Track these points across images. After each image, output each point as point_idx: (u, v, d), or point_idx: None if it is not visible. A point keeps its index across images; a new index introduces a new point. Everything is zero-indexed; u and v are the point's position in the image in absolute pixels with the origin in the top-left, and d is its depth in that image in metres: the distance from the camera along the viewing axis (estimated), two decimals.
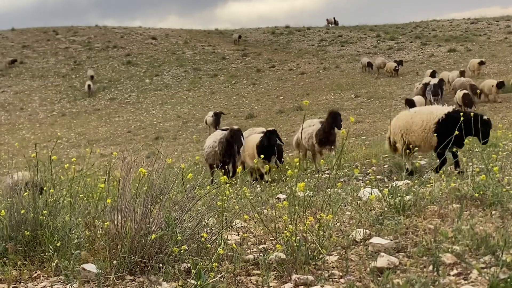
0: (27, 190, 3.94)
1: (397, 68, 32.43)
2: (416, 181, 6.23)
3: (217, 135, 11.23)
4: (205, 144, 11.50)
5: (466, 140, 8.94)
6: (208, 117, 23.03)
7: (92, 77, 37.54)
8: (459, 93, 20.68)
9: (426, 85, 23.01)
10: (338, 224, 4.24)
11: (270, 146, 9.92)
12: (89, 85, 35.47)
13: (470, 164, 7.17)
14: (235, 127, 11.20)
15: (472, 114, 7.46)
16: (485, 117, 7.61)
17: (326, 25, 55.05)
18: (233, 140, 10.56)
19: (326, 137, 10.62)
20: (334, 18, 56.43)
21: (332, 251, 3.49)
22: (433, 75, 26.96)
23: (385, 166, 9.50)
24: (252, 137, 11.21)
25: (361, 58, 37.09)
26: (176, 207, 3.73)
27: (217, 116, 21.63)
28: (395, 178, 7.35)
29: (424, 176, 6.67)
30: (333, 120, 10.40)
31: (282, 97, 31.19)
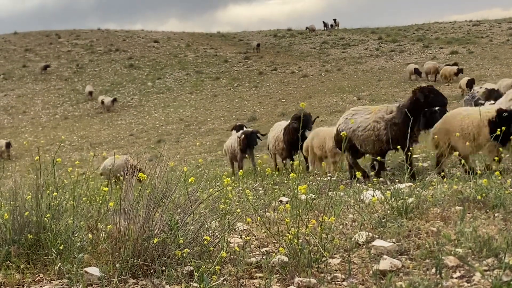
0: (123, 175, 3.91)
1: (460, 69, 28.77)
2: (418, 183, 6.23)
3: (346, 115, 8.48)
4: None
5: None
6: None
7: (90, 93, 36.27)
8: None
9: (492, 91, 17.31)
10: (341, 227, 4.23)
11: None
12: (102, 101, 34.04)
13: (473, 166, 7.14)
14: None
15: None
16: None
17: (310, 30, 53.23)
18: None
19: None
20: (324, 22, 54.90)
21: (334, 254, 3.49)
22: (470, 84, 23.03)
23: (388, 168, 9.49)
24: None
25: (407, 66, 33.09)
26: (179, 210, 3.74)
27: (236, 129, 20.60)
28: (397, 180, 7.33)
29: (426, 179, 6.67)
30: None
31: (284, 100, 31.22)
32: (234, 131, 19.55)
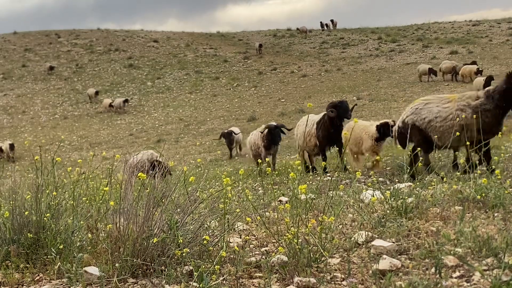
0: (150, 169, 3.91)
1: (480, 70, 27.35)
2: (418, 183, 6.23)
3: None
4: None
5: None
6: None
7: (97, 92, 35.79)
8: None
9: None
10: (340, 226, 4.23)
11: None
12: (110, 104, 33.37)
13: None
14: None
15: None
16: None
17: (300, 32, 52.64)
18: None
19: None
20: (321, 22, 54.64)
21: (334, 254, 3.49)
22: (488, 82, 21.24)
23: (387, 168, 9.48)
24: None
25: (419, 66, 31.52)
26: (178, 210, 3.74)
27: (224, 136, 19.01)
28: (397, 180, 7.33)
29: (426, 178, 6.67)
30: None
31: (284, 100, 31.22)
32: (223, 138, 19.00)
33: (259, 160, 11.56)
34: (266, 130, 11.10)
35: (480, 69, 27.86)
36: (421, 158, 7.59)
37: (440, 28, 49.37)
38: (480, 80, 23.32)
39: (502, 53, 35.99)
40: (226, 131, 19.32)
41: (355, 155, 9.57)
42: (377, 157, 8.62)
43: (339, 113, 9.46)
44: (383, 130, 8.80)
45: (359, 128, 9.22)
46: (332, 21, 54.81)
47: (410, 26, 52.23)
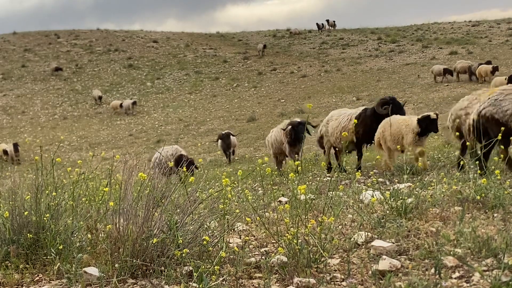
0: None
1: (496, 68, 26.78)
2: (417, 183, 6.23)
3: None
4: None
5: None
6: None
7: (100, 97, 35.51)
8: None
9: None
10: (340, 227, 4.23)
11: None
12: (121, 104, 33.21)
13: (472, 166, 7.13)
14: None
15: None
16: None
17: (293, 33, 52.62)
18: None
19: None
20: (317, 23, 54.47)
21: (334, 254, 3.49)
22: (511, 81, 20.23)
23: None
24: None
25: (433, 67, 30.66)
26: (178, 210, 3.73)
27: (222, 138, 18.74)
28: (396, 181, 7.32)
29: (426, 179, 6.66)
30: None
31: (283, 100, 31.22)
32: (220, 141, 18.74)
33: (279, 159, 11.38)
34: (289, 127, 10.83)
35: (494, 66, 27.22)
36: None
37: (439, 29, 49.39)
38: (501, 79, 22.43)
39: (502, 53, 35.99)
40: (223, 132, 19.13)
41: (391, 152, 9.06)
42: (421, 149, 8.15)
43: (392, 110, 9.03)
44: (425, 125, 8.23)
45: (398, 122, 8.73)
46: (327, 21, 54.52)
47: (409, 27, 52.25)
